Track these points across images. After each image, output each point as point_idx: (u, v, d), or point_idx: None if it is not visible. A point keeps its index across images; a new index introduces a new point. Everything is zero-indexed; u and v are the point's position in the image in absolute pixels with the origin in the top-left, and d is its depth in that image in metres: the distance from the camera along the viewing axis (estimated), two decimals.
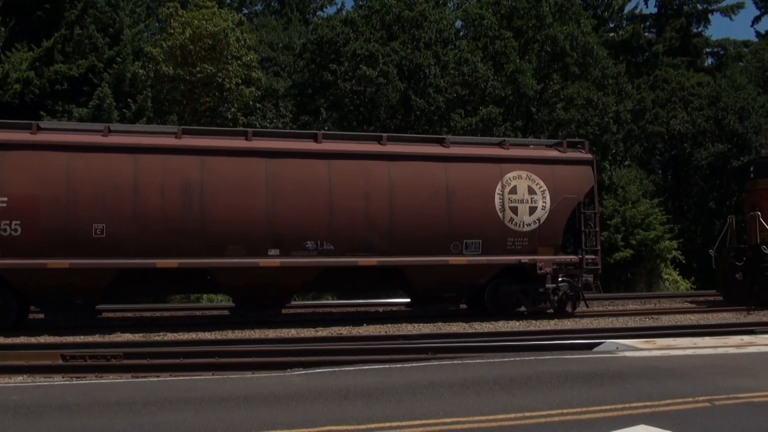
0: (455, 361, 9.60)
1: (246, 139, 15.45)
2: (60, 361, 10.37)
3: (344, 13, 36.52)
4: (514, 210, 16.36)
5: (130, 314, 17.64)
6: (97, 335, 13.42)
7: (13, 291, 14.17)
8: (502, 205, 16.31)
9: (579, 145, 17.95)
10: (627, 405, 6.84)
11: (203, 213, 14.59)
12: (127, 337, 13.37)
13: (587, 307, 17.97)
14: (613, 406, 6.80)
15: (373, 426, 6.19)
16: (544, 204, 16.57)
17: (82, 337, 13.22)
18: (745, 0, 43.65)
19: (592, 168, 17.44)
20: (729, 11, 43.18)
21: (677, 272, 29.77)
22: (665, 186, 35.92)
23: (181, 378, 9.10)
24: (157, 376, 9.42)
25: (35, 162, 14.00)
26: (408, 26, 27.63)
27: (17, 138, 14.20)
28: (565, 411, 6.62)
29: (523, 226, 16.42)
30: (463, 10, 30.97)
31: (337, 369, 9.15)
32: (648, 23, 44.16)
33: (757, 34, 49.02)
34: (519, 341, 11.87)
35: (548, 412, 6.57)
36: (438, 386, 7.75)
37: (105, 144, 14.53)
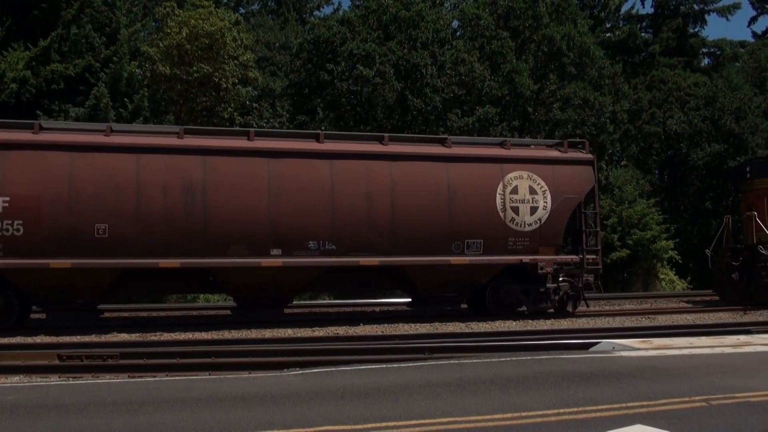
0: (452, 361, 9.60)
1: (248, 139, 15.47)
2: (57, 361, 10.36)
3: (341, 12, 36.55)
4: (516, 210, 16.40)
5: (126, 314, 17.63)
6: (93, 335, 13.41)
7: (16, 291, 14.17)
8: (504, 205, 16.34)
9: (579, 146, 17.99)
10: (623, 405, 6.84)
11: (205, 213, 14.60)
12: (124, 337, 13.35)
13: (588, 306, 18.01)
14: (609, 406, 6.80)
15: (369, 426, 6.19)
16: (545, 204, 16.61)
17: (78, 337, 13.20)
18: (742, 0, 43.90)
19: (593, 168, 17.50)
20: (725, 12, 43.29)
21: (674, 272, 29.81)
22: (662, 186, 35.96)
23: (177, 378, 9.08)
24: (154, 376, 9.41)
25: (37, 162, 13.99)
26: (405, 26, 27.64)
27: (19, 138, 14.20)
28: (561, 411, 6.62)
29: (525, 226, 16.46)
30: (459, 10, 31.00)
31: (334, 369, 9.15)
32: (644, 23, 44.22)
33: (754, 34, 49.13)
34: (516, 341, 11.87)
35: (545, 412, 6.58)
36: (435, 386, 7.75)
37: (107, 144, 14.52)
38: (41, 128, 14.63)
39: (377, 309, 19.29)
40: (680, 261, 30.02)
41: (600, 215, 18.55)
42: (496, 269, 16.44)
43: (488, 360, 9.67)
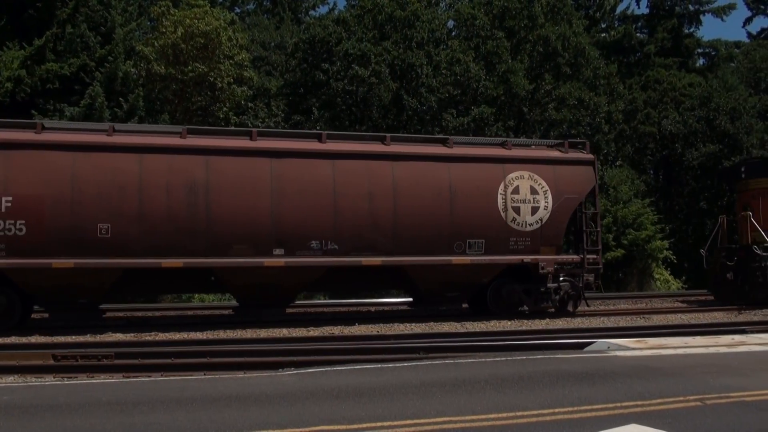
0: (447, 361, 9.61)
1: (251, 139, 15.46)
2: (51, 361, 10.34)
3: (336, 12, 36.57)
4: (517, 210, 16.43)
5: (121, 314, 17.59)
6: (88, 335, 13.38)
7: (18, 290, 14.14)
8: (505, 205, 16.37)
9: (580, 146, 18.05)
10: (618, 404, 6.86)
11: (208, 213, 14.59)
12: (119, 336, 13.32)
13: (588, 306, 18.06)
14: (604, 406, 6.81)
15: (364, 426, 6.19)
16: (546, 204, 16.64)
17: (73, 337, 13.17)
18: (737, 1, 43.92)
19: (593, 168, 17.54)
20: (721, 12, 43.37)
21: (668, 272, 29.90)
22: (656, 186, 36.04)
23: (172, 378, 9.07)
24: (149, 376, 9.39)
25: (40, 161, 13.96)
26: (400, 26, 27.65)
27: (22, 137, 14.16)
28: (556, 410, 6.63)
29: (526, 226, 16.49)
30: (455, 10, 31.05)
31: (329, 369, 9.15)
32: (640, 24, 44.32)
33: (749, 35, 49.24)
34: (511, 341, 11.88)
35: (540, 412, 6.58)
36: (430, 386, 7.75)
37: (110, 144, 14.49)
38: (44, 128, 14.60)
39: (372, 309, 19.29)
40: (675, 261, 30.11)
41: (600, 215, 18.60)
42: (497, 269, 16.47)
43: (483, 360, 9.68)
